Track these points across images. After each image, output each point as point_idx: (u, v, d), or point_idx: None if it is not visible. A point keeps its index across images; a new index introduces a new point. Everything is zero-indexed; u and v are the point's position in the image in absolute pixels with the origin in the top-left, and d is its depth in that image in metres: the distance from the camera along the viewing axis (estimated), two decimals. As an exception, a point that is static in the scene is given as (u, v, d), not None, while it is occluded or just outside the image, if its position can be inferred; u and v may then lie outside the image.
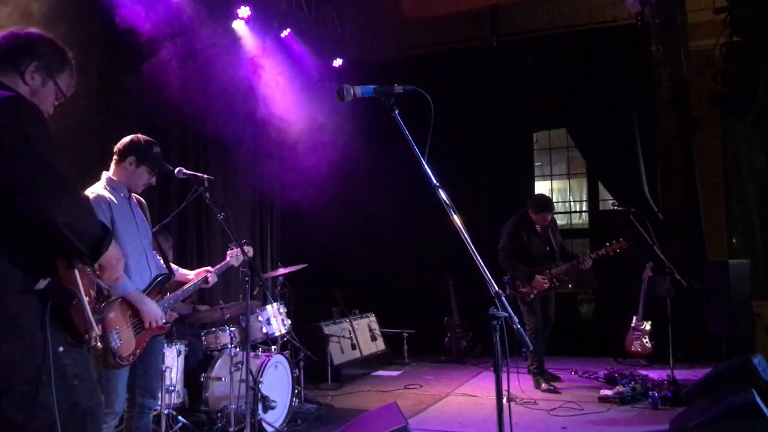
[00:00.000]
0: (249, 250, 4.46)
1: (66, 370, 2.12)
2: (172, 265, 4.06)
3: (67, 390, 2.11)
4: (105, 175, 3.72)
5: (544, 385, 6.55)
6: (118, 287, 3.46)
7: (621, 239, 6.40)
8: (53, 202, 2.00)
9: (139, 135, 3.77)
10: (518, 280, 6.60)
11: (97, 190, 3.62)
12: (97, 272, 2.38)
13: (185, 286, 4.09)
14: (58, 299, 2.10)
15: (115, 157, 3.73)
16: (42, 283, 2.07)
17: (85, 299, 2.19)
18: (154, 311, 3.60)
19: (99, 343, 3.41)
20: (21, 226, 2.02)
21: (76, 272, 2.19)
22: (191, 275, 4.19)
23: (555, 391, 6.46)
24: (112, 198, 3.61)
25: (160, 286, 3.78)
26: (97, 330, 2.25)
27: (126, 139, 3.75)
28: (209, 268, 4.30)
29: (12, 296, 2.03)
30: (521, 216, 6.81)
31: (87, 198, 2.12)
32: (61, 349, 2.11)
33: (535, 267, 6.60)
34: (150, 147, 3.74)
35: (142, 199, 3.91)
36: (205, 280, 4.15)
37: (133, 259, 3.63)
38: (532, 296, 6.55)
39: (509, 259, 6.62)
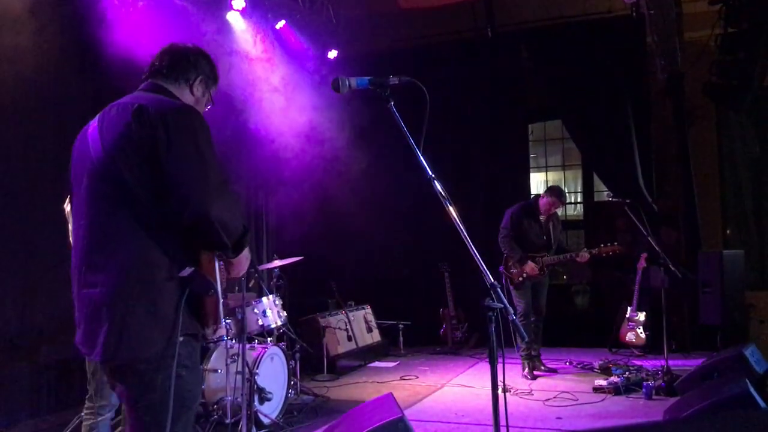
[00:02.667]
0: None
1: (179, 359, 2.29)
2: None
3: (177, 377, 2.28)
4: None
5: (525, 370, 6.68)
6: None
7: (616, 243, 6.53)
8: (211, 199, 2.24)
9: None
10: (511, 260, 6.70)
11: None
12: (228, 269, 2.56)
13: None
14: (198, 287, 2.30)
15: None
16: (186, 271, 2.29)
17: (221, 291, 2.41)
18: None
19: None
20: (178, 218, 2.25)
21: (217, 265, 2.42)
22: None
23: (534, 377, 6.61)
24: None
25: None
26: (222, 323, 2.40)
27: None
28: None
29: (159, 281, 2.26)
30: (527, 203, 6.97)
31: (237, 197, 2.27)
32: (180, 339, 2.28)
33: (530, 252, 6.68)
34: None
35: None
36: None
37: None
38: (521, 279, 6.64)
39: (508, 238, 6.73)
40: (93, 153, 2.35)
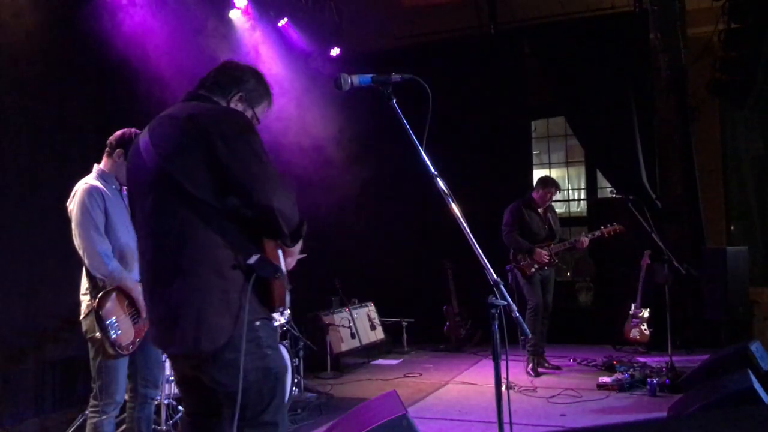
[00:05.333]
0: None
1: (261, 341, 2.47)
2: None
3: (262, 357, 2.47)
4: (96, 167, 3.73)
5: (530, 366, 6.67)
6: (114, 278, 3.47)
7: (615, 223, 6.57)
8: (272, 192, 2.41)
9: (132, 129, 3.76)
10: (520, 254, 6.72)
11: (90, 181, 3.62)
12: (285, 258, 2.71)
13: None
14: (265, 272, 2.44)
15: (106, 149, 3.75)
16: (253, 258, 2.43)
17: (286, 274, 2.59)
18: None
19: (97, 333, 3.44)
20: (243, 212, 2.44)
21: (280, 252, 2.61)
22: None
23: (537, 374, 6.61)
24: (105, 190, 3.62)
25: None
26: (287, 305, 2.62)
27: (117, 133, 3.76)
28: None
29: (227, 271, 2.41)
30: (524, 199, 6.99)
31: (293, 191, 2.53)
32: (257, 323, 2.46)
33: (535, 244, 6.72)
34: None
35: None
36: None
37: (129, 250, 3.63)
38: (533, 270, 6.65)
39: (512, 233, 6.74)
40: (149, 164, 2.49)
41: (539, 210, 6.87)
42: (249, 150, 2.44)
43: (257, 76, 2.79)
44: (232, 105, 2.69)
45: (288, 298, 2.61)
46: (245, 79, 2.73)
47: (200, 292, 2.38)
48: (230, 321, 2.39)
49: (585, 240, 6.72)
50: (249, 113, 2.73)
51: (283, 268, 2.61)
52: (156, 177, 2.47)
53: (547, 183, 6.87)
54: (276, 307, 2.55)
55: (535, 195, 6.88)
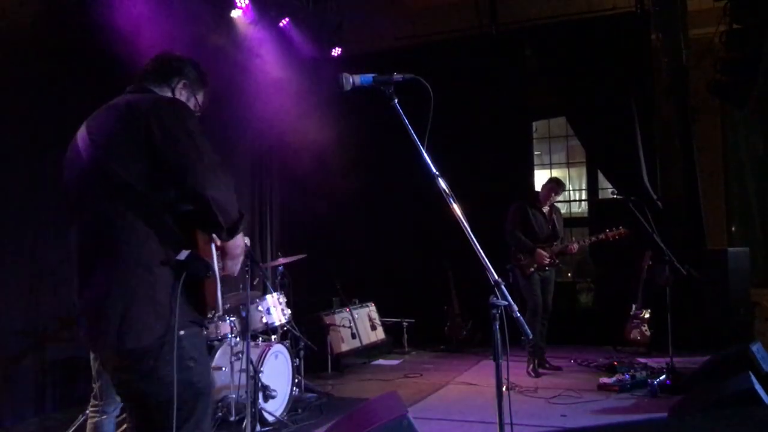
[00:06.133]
0: (246, 240, 4.44)
1: (183, 352, 2.31)
2: None
3: (184, 369, 2.31)
4: None
5: (530, 367, 6.68)
6: None
7: (621, 227, 6.54)
8: (207, 178, 2.30)
9: None
10: (521, 252, 6.73)
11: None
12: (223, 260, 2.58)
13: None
14: (196, 270, 2.33)
15: None
16: (183, 254, 2.33)
17: (218, 273, 2.46)
18: None
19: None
20: (176, 201, 2.35)
21: (213, 247, 2.48)
22: None
23: (537, 374, 6.61)
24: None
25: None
26: (220, 309, 2.49)
27: None
28: None
29: (155, 267, 2.30)
30: (529, 198, 7.04)
31: (232, 181, 2.43)
32: (182, 332, 2.31)
33: (537, 243, 6.73)
34: None
35: None
36: None
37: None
38: (531, 270, 6.65)
39: (515, 232, 6.76)
40: (84, 154, 2.42)
41: (544, 210, 6.88)
42: (186, 137, 2.36)
43: (195, 64, 2.80)
44: (177, 93, 2.69)
45: (220, 302, 2.50)
46: (185, 67, 2.74)
47: (126, 286, 2.27)
48: (157, 322, 2.27)
49: (574, 246, 6.77)
50: (192, 101, 2.75)
51: (216, 267, 2.48)
52: (90, 166, 2.40)
53: (551, 181, 6.96)
54: (208, 310, 2.44)
55: (540, 193, 6.95)
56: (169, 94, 2.67)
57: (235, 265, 2.58)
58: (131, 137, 2.36)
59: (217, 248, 2.52)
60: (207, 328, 2.54)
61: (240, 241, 2.55)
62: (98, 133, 2.43)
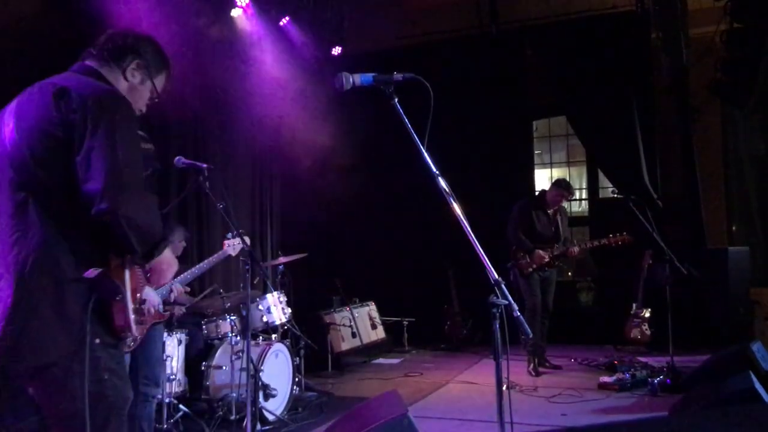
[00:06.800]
0: (246, 239, 4.45)
1: (99, 363, 2.15)
2: None
3: (97, 381, 2.14)
4: None
5: (530, 366, 6.68)
6: None
7: (624, 233, 6.52)
8: (120, 197, 2.06)
9: None
10: (521, 252, 6.72)
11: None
12: (147, 276, 2.41)
13: (183, 274, 4.09)
14: (104, 292, 2.15)
15: None
16: (93, 272, 2.12)
17: (129, 298, 2.23)
18: (152, 298, 3.59)
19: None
20: (86, 215, 2.07)
21: (126, 270, 2.24)
22: None
23: (538, 373, 6.61)
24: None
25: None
26: (134, 333, 2.27)
27: None
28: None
29: (66, 282, 2.10)
30: (535, 197, 7.04)
31: (154, 199, 2.21)
32: (97, 341, 2.14)
33: (538, 244, 6.71)
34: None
35: None
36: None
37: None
38: (530, 270, 6.64)
39: (516, 230, 6.76)
40: (6, 136, 2.19)
41: (549, 211, 6.87)
42: (107, 142, 2.08)
43: (155, 45, 2.49)
44: (128, 75, 2.38)
45: (134, 326, 2.25)
46: (142, 46, 2.42)
47: (29, 298, 2.06)
48: (64, 337, 2.08)
49: (575, 249, 6.73)
50: (148, 84, 2.45)
51: (127, 290, 2.23)
52: (9, 151, 2.16)
53: (562, 186, 6.85)
54: (119, 333, 2.21)
55: (548, 194, 6.89)
56: (121, 77, 2.37)
57: (163, 279, 2.43)
58: (54, 128, 2.11)
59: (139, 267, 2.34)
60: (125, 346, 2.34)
61: (165, 257, 2.34)
62: (25, 116, 2.17)
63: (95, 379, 2.13)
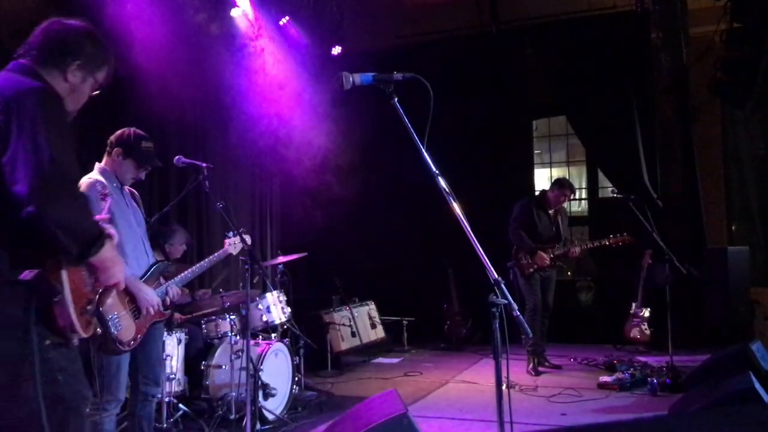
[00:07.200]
0: (247, 238, 4.46)
1: (51, 364, 2.11)
2: None
3: (51, 383, 2.10)
4: (97, 165, 3.73)
5: (530, 366, 6.68)
6: None
7: (624, 234, 6.51)
8: (48, 196, 2.02)
9: (132, 128, 3.76)
10: (522, 252, 6.71)
11: (93, 176, 3.63)
12: (95, 276, 2.34)
13: (182, 274, 4.09)
14: (42, 293, 2.10)
15: (107, 148, 3.75)
16: (28, 274, 2.07)
17: (69, 298, 2.15)
18: (150, 297, 3.60)
19: (98, 329, 3.42)
20: (14, 216, 2.02)
21: (63, 271, 2.16)
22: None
23: (537, 373, 6.61)
24: (108, 186, 3.61)
25: (158, 273, 3.79)
26: (81, 332, 2.21)
27: (117, 132, 3.77)
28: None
29: (3, 284, 2.06)
30: (536, 197, 7.03)
31: (85, 198, 2.16)
32: (47, 342, 2.10)
33: (539, 244, 6.72)
34: (139, 141, 3.73)
35: (134, 191, 3.92)
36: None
37: (130, 246, 3.63)
38: (531, 270, 6.64)
39: (518, 229, 6.76)
40: None
41: (550, 211, 6.87)
42: (31, 140, 2.03)
43: (93, 39, 2.42)
44: (69, 76, 2.33)
45: (78, 326, 2.17)
46: (81, 45, 2.36)
47: None
48: (9, 341, 2.04)
49: (576, 249, 6.72)
50: (90, 81, 2.40)
51: (66, 290, 2.15)
52: None
53: (563, 185, 6.86)
54: (64, 334, 2.16)
55: (550, 195, 6.88)
56: (60, 78, 2.33)
57: (111, 278, 2.34)
58: None
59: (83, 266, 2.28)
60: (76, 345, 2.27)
61: (108, 254, 2.25)
62: None
63: (49, 380, 2.09)
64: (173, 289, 3.90)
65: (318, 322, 7.39)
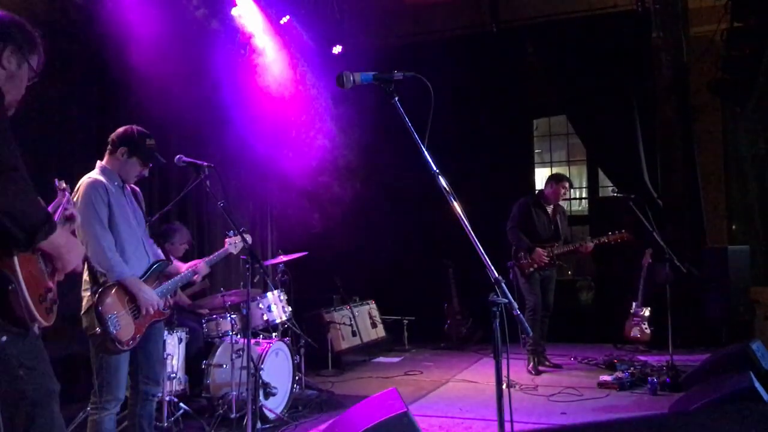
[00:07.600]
0: (247, 237, 4.46)
1: (10, 361, 2.08)
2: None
3: (11, 380, 2.07)
4: (99, 164, 3.73)
5: (530, 365, 6.68)
6: (114, 272, 3.47)
7: (623, 231, 6.50)
8: None
9: (134, 126, 3.76)
10: (521, 251, 6.72)
11: (94, 176, 3.63)
12: (50, 263, 2.30)
13: (181, 274, 4.09)
14: None
15: (109, 146, 3.74)
16: None
17: (24, 287, 2.10)
18: (150, 297, 3.60)
19: (97, 329, 3.42)
20: None
21: (15, 258, 2.10)
22: (184, 268, 4.16)
23: (537, 372, 6.61)
24: (109, 185, 3.62)
25: (158, 272, 3.79)
26: (41, 321, 2.17)
27: (120, 130, 3.76)
28: (199, 260, 4.26)
29: None
30: (534, 195, 7.05)
31: (29, 183, 2.06)
32: (4, 338, 2.06)
33: (538, 243, 6.71)
34: (143, 139, 3.73)
35: (136, 188, 3.91)
36: (194, 271, 4.12)
37: (131, 246, 3.63)
38: (531, 269, 6.64)
39: (516, 229, 6.76)
40: None
41: (548, 209, 6.87)
42: None
43: (21, 25, 2.39)
44: (5, 62, 2.29)
45: (37, 314, 2.14)
46: (11, 30, 2.33)
47: None
48: None
49: (590, 245, 6.66)
50: (25, 66, 2.36)
51: (20, 278, 2.09)
52: None
53: (561, 178, 6.88)
54: (23, 324, 2.12)
55: (547, 191, 6.88)
56: None
57: (68, 264, 2.30)
58: None
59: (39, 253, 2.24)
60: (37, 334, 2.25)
61: (61, 240, 2.23)
62: None
63: (10, 378, 2.06)
64: (181, 296, 3.90)
65: (319, 321, 7.40)
